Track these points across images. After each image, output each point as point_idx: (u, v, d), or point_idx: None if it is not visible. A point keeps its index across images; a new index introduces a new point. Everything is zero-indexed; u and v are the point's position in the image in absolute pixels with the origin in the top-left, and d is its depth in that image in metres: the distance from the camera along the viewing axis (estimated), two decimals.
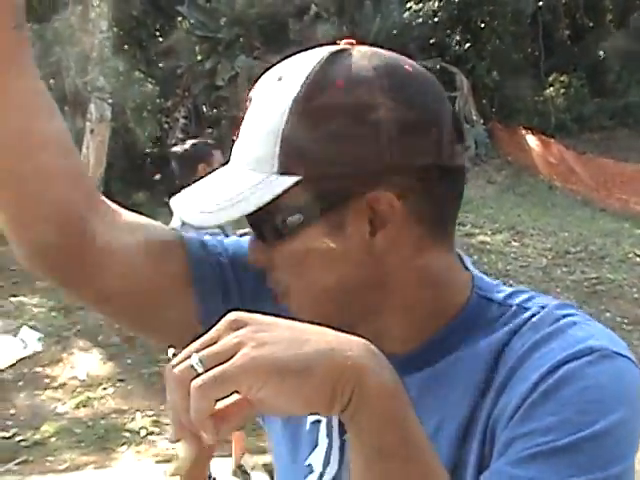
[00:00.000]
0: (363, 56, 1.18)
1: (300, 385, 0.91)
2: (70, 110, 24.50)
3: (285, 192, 1.13)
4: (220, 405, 0.93)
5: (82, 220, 1.26)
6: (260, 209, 1.13)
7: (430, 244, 1.21)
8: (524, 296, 1.25)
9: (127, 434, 9.06)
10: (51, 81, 23.58)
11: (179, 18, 26.33)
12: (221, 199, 1.15)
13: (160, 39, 27.28)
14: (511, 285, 1.31)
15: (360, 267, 1.17)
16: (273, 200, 1.13)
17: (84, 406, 10.16)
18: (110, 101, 18.32)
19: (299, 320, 1.01)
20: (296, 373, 0.91)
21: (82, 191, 1.28)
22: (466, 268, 1.31)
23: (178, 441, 0.94)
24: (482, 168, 22.65)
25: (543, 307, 1.20)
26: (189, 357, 0.93)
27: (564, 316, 1.17)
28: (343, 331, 1.00)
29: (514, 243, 15.60)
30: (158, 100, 23.23)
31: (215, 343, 0.93)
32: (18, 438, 9.29)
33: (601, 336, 1.13)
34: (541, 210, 18.27)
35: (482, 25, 26.70)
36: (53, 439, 9.22)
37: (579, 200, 20.80)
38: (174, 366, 0.93)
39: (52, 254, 1.26)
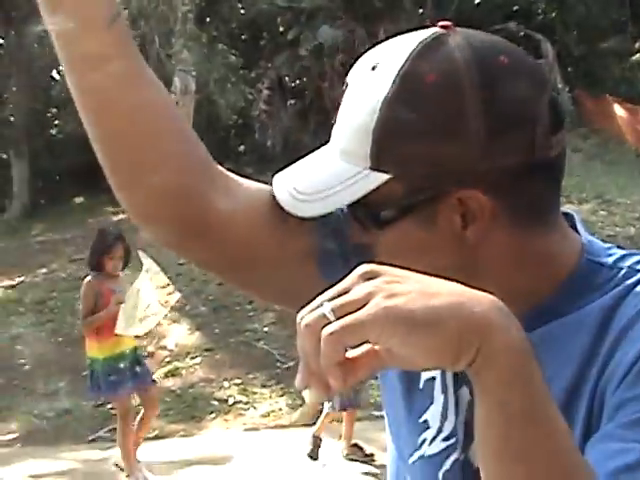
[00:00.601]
0: (457, 47, 1.14)
1: (429, 337, 0.89)
2: None
3: (377, 188, 1.14)
4: (349, 354, 0.93)
5: (203, 197, 1.31)
6: (354, 204, 1.15)
7: (526, 233, 1.19)
8: (636, 258, 1.22)
9: (215, 403, 9.16)
10: None
11: None
12: (314, 189, 1.18)
13: (242, 11, 27.33)
14: None
15: (453, 255, 1.17)
16: (365, 195, 1.14)
17: (172, 375, 10.29)
18: (194, 73, 18.41)
19: None
20: (425, 325, 0.89)
21: (202, 173, 1.33)
22: (576, 231, 1.28)
23: (305, 388, 0.94)
24: (567, 136, 22.30)
25: None
26: (321, 305, 0.92)
27: None
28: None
29: (601, 212, 15.37)
30: (241, 71, 23.29)
31: (346, 293, 0.92)
32: (108, 406, 9.43)
33: None
34: (629, 179, 17.94)
35: None
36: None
37: None
38: (305, 314, 0.93)
39: (180, 233, 1.33)
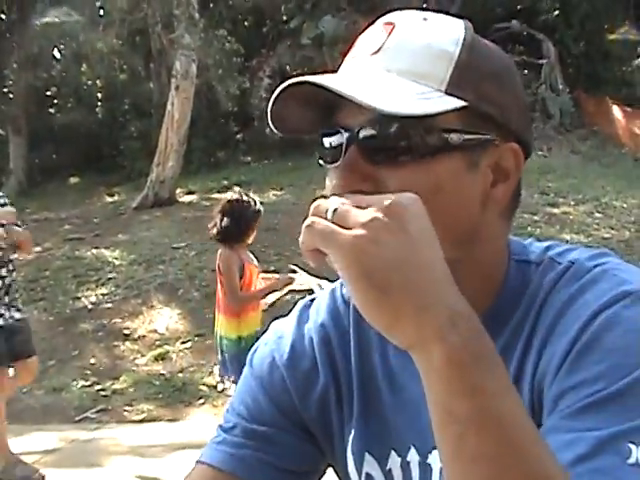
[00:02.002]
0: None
1: (376, 304, 0.94)
2: (155, 67, 24.74)
3: (449, 112, 1.13)
4: None
5: None
6: (416, 119, 1.11)
7: (507, 222, 1.26)
8: (557, 250, 1.28)
9: (204, 388, 9.16)
10: (137, 38, 23.83)
11: None
12: (384, 95, 1.11)
13: None
14: None
15: (475, 214, 1.19)
16: (435, 115, 1.12)
17: (162, 359, 10.30)
18: (195, 58, 18.37)
19: None
20: (377, 294, 0.93)
21: None
22: None
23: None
24: (566, 137, 22.35)
25: (573, 262, 1.23)
26: (334, 202, 0.98)
27: (595, 266, 1.20)
28: None
29: (597, 214, 15.38)
30: (242, 58, 23.27)
31: (362, 208, 0.96)
32: (97, 387, 9.45)
33: (633, 279, 1.16)
34: (626, 182, 17.96)
35: None
36: (131, 390, 9.37)
37: None
38: (321, 202, 1.00)
39: None
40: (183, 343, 10.65)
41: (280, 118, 1.19)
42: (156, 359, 10.30)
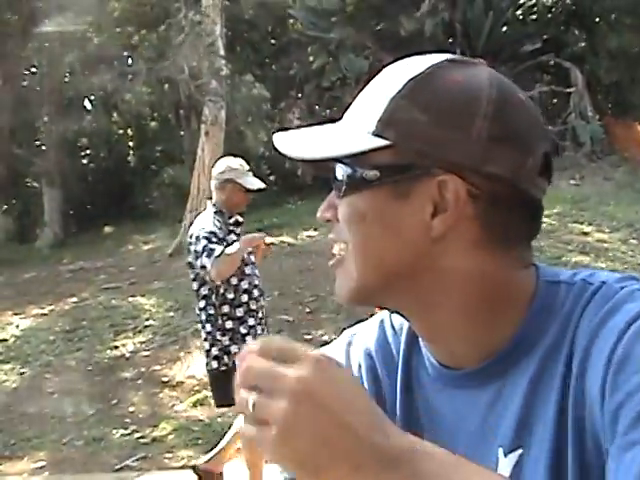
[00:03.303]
0: (486, 70, 1.30)
1: None
2: (185, 113, 24.93)
3: (373, 151, 1.24)
4: None
5: None
6: (347, 157, 1.26)
7: (488, 253, 1.26)
8: (587, 272, 1.31)
9: None
10: (165, 86, 24.01)
11: (290, 20, 26.46)
12: (317, 141, 1.31)
13: (272, 41, 27.46)
14: None
15: (413, 244, 1.25)
16: (361, 153, 1.25)
17: (201, 404, 10.29)
18: (223, 104, 18.50)
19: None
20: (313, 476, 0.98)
21: None
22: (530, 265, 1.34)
23: None
24: (598, 165, 22.24)
25: (604, 282, 1.25)
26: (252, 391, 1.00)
27: (622, 288, 1.21)
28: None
29: (632, 241, 15.25)
30: (269, 103, 23.37)
31: (272, 379, 0.99)
32: (137, 435, 9.46)
33: None
34: None
35: (597, 20, 26.23)
36: (171, 437, 9.36)
37: None
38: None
39: None
40: None
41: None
42: (195, 405, 10.30)
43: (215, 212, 6.62)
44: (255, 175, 6.84)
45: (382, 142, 1.24)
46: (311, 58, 25.38)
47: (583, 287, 1.26)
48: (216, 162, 7.09)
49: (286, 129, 1.41)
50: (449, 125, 1.23)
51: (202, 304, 6.57)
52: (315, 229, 19.06)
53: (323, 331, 12.27)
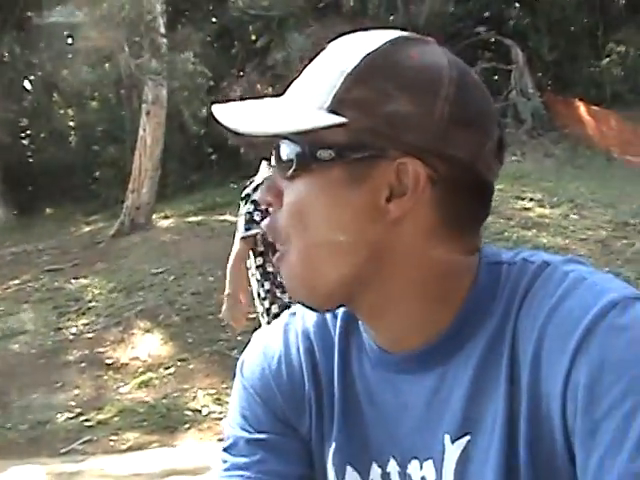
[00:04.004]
0: (438, 48, 1.23)
1: None
2: (126, 93, 24.72)
3: (326, 128, 1.16)
4: None
5: None
6: (297, 134, 1.18)
7: (442, 238, 1.21)
8: (528, 252, 1.27)
9: (189, 413, 9.13)
10: (106, 65, 23.79)
11: None
12: (265, 115, 1.23)
13: (213, 19, 27.30)
14: None
15: (363, 230, 1.19)
16: (313, 130, 1.17)
17: (146, 386, 10.26)
18: (163, 82, 18.37)
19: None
20: None
21: None
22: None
23: None
24: (539, 141, 22.45)
25: (547, 262, 1.22)
26: None
27: (571, 271, 1.18)
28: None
29: (573, 216, 15.42)
30: (211, 80, 23.26)
31: None
32: (82, 418, 9.41)
33: (612, 286, 1.14)
34: (599, 182, 18.05)
35: None
36: (116, 419, 9.32)
37: (637, 171, 20.52)
38: None
39: None
40: (166, 369, 10.61)
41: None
42: (140, 386, 10.25)
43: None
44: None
45: (338, 119, 1.16)
46: (253, 37, 25.30)
47: (524, 266, 1.23)
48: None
49: (227, 101, 1.32)
50: (410, 105, 1.16)
51: (259, 261, 6.45)
52: None
53: None
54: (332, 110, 1.17)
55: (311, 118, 1.17)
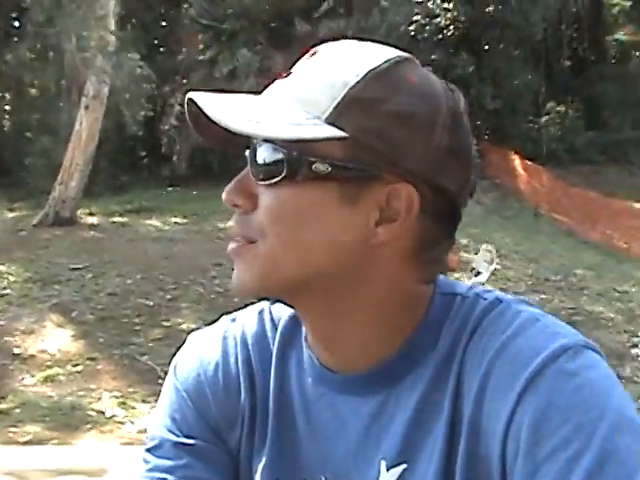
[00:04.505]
0: (432, 74, 1.23)
1: None
2: (67, 84, 24.43)
3: (325, 140, 1.13)
4: None
5: None
6: (291, 142, 1.14)
7: (414, 266, 1.21)
8: (482, 288, 1.28)
9: (92, 414, 9.01)
10: (50, 53, 23.53)
11: (185, 5, 26.25)
12: (262, 115, 1.15)
13: (164, 23, 27.20)
14: None
15: (345, 246, 1.17)
16: (310, 141, 1.13)
17: (52, 381, 10.11)
18: (107, 79, 18.22)
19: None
20: None
21: None
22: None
23: None
24: None
25: (499, 300, 1.22)
26: None
27: (522, 311, 1.18)
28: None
29: (496, 266, 15.59)
30: (154, 85, 23.13)
31: None
32: None
33: (564, 332, 1.15)
34: (525, 235, 18.30)
35: (487, 47, 26.75)
36: (17, 410, 9.17)
37: (563, 230, 20.85)
38: None
39: None
40: (74, 366, 10.47)
41: (199, 130, 1.24)
42: (45, 381, 10.10)
43: None
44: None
45: (338, 132, 1.13)
46: (201, 46, 25.23)
47: (477, 301, 1.23)
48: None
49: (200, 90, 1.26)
50: (410, 129, 1.14)
51: None
52: (184, 217, 18.94)
53: (182, 319, 12.19)
54: (330, 122, 1.14)
55: (311, 128, 1.13)
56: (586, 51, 32.26)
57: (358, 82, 1.15)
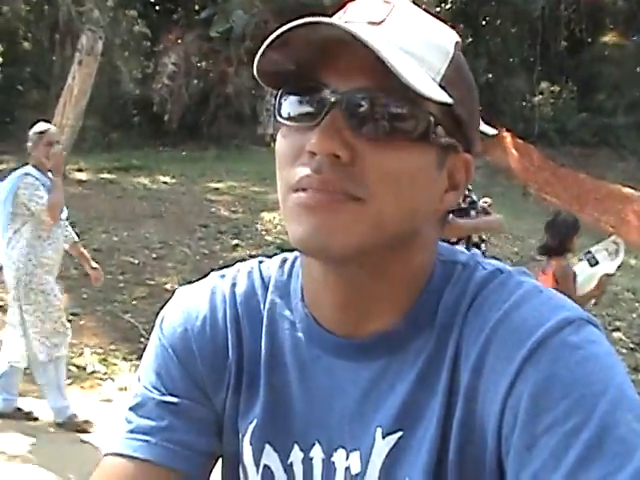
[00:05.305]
0: None
1: None
2: (60, 38, 24.35)
3: (439, 104, 1.09)
4: None
5: None
6: (421, 101, 1.07)
7: (439, 231, 1.23)
8: (481, 257, 1.26)
9: (74, 369, 8.98)
10: (45, 7, 23.42)
11: None
12: (404, 69, 1.04)
13: None
14: None
15: (428, 211, 1.16)
16: (434, 102, 1.08)
17: None
18: (102, 35, 18.13)
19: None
20: None
21: None
22: None
23: None
24: None
25: (501, 270, 1.21)
26: None
27: (526, 282, 1.17)
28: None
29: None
30: (149, 42, 23.08)
31: None
32: None
33: (567, 305, 1.13)
34: (513, 214, 18.30)
35: (484, 22, 26.73)
36: None
37: (551, 210, 20.91)
38: None
39: None
40: None
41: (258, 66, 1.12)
42: None
43: None
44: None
45: (448, 98, 1.10)
46: (196, 7, 25.14)
47: (477, 270, 1.21)
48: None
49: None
50: (474, 102, 1.18)
51: (482, 247, 6.66)
52: (173, 177, 18.93)
53: (167, 279, 12.20)
54: (442, 87, 1.10)
55: (437, 89, 1.09)
56: (583, 32, 32.25)
57: (455, 51, 1.15)
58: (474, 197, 6.64)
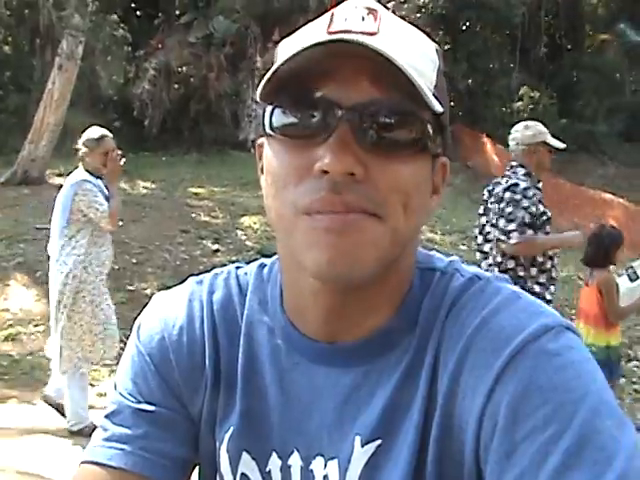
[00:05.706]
0: None
1: None
2: (41, 43, 24.26)
3: (434, 114, 1.11)
4: None
5: None
6: (427, 115, 1.10)
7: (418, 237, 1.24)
8: (459, 263, 1.26)
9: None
10: (26, 11, 23.32)
11: None
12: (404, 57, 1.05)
13: None
14: None
15: (425, 219, 1.20)
16: (434, 114, 1.11)
17: (12, 340, 10.07)
18: (82, 39, 18.08)
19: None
20: None
21: None
22: None
23: None
24: None
25: (479, 277, 1.21)
26: None
27: (504, 288, 1.18)
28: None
29: (461, 247, 15.68)
30: (130, 47, 23.02)
31: None
32: None
33: (546, 311, 1.13)
34: None
35: (464, 28, 26.76)
36: None
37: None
38: None
39: None
40: (36, 326, 10.43)
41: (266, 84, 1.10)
42: (6, 339, 10.06)
43: (525, 174, 6.31)
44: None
45: (440, 107, 1.09)
46: (177, 12, 25.10)
47: (455, 277, 1.21)
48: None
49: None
50: (448, 108, 1.16)
51: (511, 264, 6.32)
52: (153, 182, 18.88)
53: (146, 284, 12.16)
54: (435, 96, 1.09)
55: (435, 100, 1.09)
56: (563, 39, 32.38)
57: (438, 58, 1.16)
58: (549, 213, 6.51)
